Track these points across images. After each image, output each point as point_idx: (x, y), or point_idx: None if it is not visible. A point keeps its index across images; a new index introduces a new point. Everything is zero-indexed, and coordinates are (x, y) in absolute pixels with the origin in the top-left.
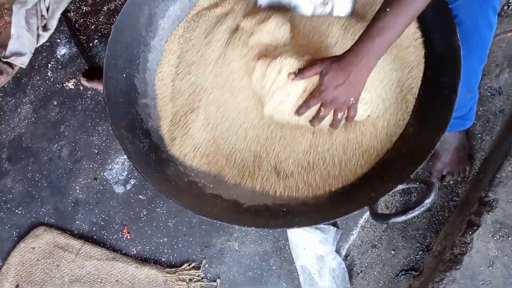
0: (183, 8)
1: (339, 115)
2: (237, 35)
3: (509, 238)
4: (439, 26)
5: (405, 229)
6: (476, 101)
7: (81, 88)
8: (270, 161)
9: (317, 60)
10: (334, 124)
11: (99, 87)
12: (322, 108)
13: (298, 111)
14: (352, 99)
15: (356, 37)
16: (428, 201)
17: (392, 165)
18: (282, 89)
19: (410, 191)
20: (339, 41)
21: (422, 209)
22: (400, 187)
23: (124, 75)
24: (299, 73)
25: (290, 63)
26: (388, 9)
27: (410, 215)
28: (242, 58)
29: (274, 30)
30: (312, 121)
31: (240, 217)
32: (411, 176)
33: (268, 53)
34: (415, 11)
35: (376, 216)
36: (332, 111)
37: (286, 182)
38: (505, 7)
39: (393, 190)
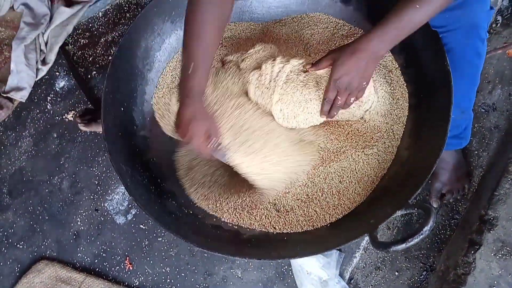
0: (179, 40)
1: (351, 99)
2: (227, 66)
3: (511, 256)
4: (429, 52)
5: (408, 249)
6: (471, 120)
7: None
8: (269, 198)
9: (330, 51)
10: (345, 107)
11: (98, 129)
12: (338, 97)
13: (322, 110)
14: (364, 83)
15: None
16: (426, 229)
17: (389, 191)
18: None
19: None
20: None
21: (421, 236)
22: (399, 213)
23: (122, 109)
24: (315, 64)
25: (280, 61)
26: (416, 5)
27: (410, 243)
28: (237, 83)
29: (261, 50)
30: (330, 112)
31: (241, 249)
32: (409, 201)
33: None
34: (432, 11)
35: (376, 244)
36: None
37: (286, 217)
38: (493, 25)
39: (391, 216)
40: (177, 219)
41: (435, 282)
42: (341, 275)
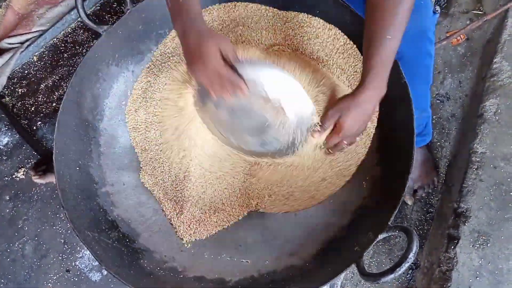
0: (127, 83)
1: (345, 146)
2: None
3: (488, 245)
4: None
5: (391, 251)
6: (430, 116)
7: None
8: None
9: (332, 108)
10: (334, 150)
11: (55, 180)
12: (344, 141)
13: (328, 152)
14: (361, 136)
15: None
16: (411, 255)
17: (368, 212)
18: None
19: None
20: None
21: (408, 263)
22: (381, 236)
23: (77, 168)
24: (322, 127)
25: None
26: (388, 36)
27: (398, 272)
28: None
29: None
30: (332, 150)
31: None
32: (389, 223)
33: None
34: (401, 33)
35: (366, 276)
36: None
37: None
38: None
39: (375, 241)
40: (157, 280)
41: (422, 280)
42: None
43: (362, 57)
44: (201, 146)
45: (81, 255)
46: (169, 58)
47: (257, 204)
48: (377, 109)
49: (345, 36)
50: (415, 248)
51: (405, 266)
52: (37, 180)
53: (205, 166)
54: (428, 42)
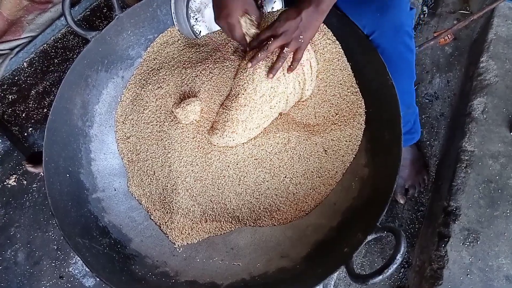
0: (117, 88)
1: (286, 50)
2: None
3: (478, 242)
4: (371, 69)
5: (383, 250)
6: (417, 113)
7: (25, 183)
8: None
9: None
10: (278, 60)
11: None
12: (272, 39)
13: (250, 44)
14: (301, 37)
15: None
16: (399, 256)
17: (357, 213)
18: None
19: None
20: None
21: (396, 264)
22: (369, 237)
23: (67, 175)
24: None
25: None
26: None
27: (386, 273)
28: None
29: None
30: (255, 57)
31: None
32: (378, 223)
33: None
34: None
35: (354, 277)
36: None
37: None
38: (421, 16)
39: (364, 242)
40: (149, 285)
41: (414, 278)
42: None
43: None
44: (187, 160)
45: (74, 261)
46: (158, 69)
47: (244, 219)
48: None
49: None
50: (402, 249)
51: (393, 267)
52: (30, 169)
53: (192, 180)
54: (407, 37)
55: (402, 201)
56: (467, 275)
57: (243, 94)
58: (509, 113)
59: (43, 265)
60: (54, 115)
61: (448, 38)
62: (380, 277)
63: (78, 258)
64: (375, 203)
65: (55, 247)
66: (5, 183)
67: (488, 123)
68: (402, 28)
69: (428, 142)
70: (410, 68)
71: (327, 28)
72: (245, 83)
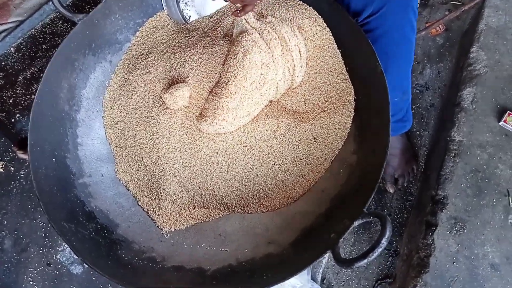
0: (105, 73)
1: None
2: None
3: (465, 231)
4: (360, 55)
5: (371, 239)
6: (410, 101)
7: (12, 169)
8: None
9: None
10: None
11: None
12: None
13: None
14: None
15: None
16: (384, 240)
17: (344, 200)
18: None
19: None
20: None
21: (381, 248)
22: (356, 223)
23: (53, 159)
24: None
25: None
26: None
27: (371, 257)
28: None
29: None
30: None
31: None
32: (364, 209)
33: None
34: None
35: (340, 262)
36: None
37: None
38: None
39: (350, 228)
40: (135, 270)
41: (401, 267)
42: (313, 278)
43: None
44: (175, 146)
45: (62, 248)
46: (147, 54)
47: (233, 206)
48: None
49: None
50: (387, 233)
51: (378, 251)
52: (20, 155)
53: (180, 166)
54: (413, 14)
55: (391, 190)
56: (453, 263)
57: (234, 81)
58: (497, 103)
59: (30, 252)
60: (39, 98)
61: (440, 29)
62: (365, 260)
63: (66, 245)
64: (362, 190)
65: (43, 235)
66: None
67: (477, 113)
68: (410, 4)
69: (418, 133)
70: (410, 50)
71: (317, 14)
72: (235, 69)
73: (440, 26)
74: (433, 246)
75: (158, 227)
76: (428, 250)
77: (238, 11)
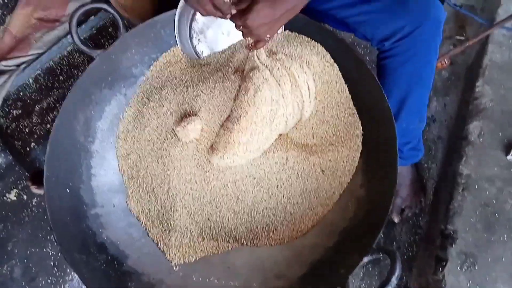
0: (120, 106)
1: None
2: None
3: (476, 267)
4: (367, 88)
5: (380, 273)
6: (422, 131)
7: (25, 197)
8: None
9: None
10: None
11: None
12: (242, 29)
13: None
14: (268, 36)
15: None
16: (394, 278)
17: (352, 234)
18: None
19: None
20: None
21: (391, 287)
22: (365, 259)
23: (67, 190)
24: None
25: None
26: None
27: None
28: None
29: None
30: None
31: None
32: (373, 245)
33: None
34: None
35: None
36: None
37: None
38: None
39: (359, 264)
40: None
41: None
42: None
43: None
44: (186, 178)
45: (70, 278)
46: (160, 87)
47: (242, 238)
48: None
49: None
50: (397, 271)
51: None
52: (34, 190)
53: (190, 198)
54: (438, 37)
55: (396, 220)
56: None
57: (245, 117)
58: (504, 137)
59: (39, 281)
60: (57, 130)
61: (445, 63)
62: None
63: (75, 275)
64: (371, 224)
65: (52, 264)
66: (5, 197)
67: (484, 146)
68: (440, 25)
69: (426, 165)
70: (431, 76)
71: (325, 50)
72: (246, 106)
73: (445, 60)
74: (443, 283)
75: (167, 259)
76: (439, 287)
77: (251, 45)
